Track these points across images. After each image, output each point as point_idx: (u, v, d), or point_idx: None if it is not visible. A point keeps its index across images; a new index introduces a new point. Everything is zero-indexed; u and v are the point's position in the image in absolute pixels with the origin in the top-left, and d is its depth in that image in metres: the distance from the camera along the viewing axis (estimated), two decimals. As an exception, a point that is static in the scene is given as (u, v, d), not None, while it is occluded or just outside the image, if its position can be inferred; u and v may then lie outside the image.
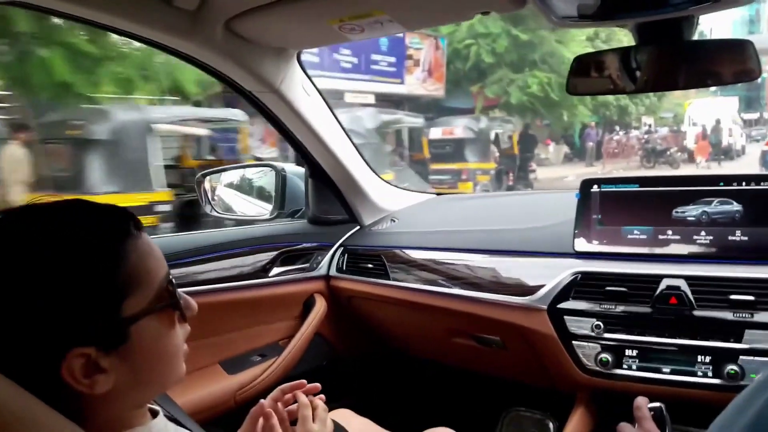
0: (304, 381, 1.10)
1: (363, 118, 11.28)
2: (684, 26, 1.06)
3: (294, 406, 1.08)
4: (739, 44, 1.05)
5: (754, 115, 32.09)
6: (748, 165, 20.34)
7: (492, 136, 14.35)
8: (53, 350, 0.66)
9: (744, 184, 1.35)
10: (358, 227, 2.06)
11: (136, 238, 0.74)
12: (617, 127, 24.67)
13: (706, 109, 19.94)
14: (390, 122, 12.78)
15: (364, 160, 1.98)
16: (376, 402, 1.93)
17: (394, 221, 2.04)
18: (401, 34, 13.75)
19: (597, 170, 19.65)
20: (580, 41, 17.56)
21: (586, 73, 1.19)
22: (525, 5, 1.09)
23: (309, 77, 1.68)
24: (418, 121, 13.61)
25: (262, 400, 1.07)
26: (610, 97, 18.84)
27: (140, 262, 0.73)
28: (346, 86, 14.53)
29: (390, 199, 2.12)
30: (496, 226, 1.81)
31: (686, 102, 26.13)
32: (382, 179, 2.11)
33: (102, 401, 0.70)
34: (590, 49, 1.33)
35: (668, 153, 20.57)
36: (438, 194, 2.32)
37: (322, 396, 1.09)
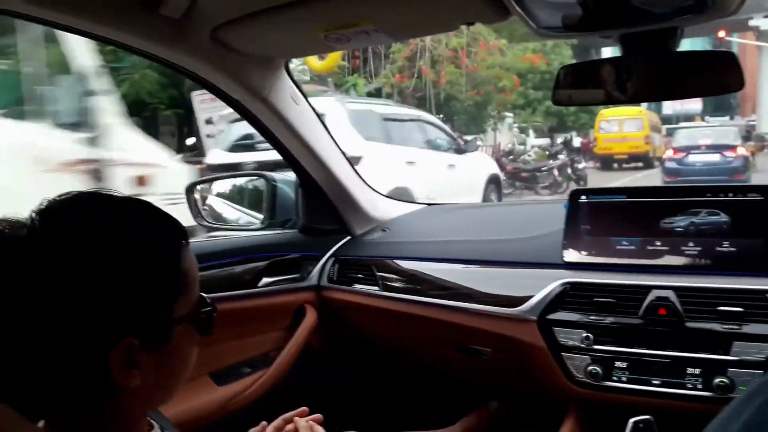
0: (306, 409, 1.12)
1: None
2: (668, 37, 1.06)
3: (290, 426, 1.08)
4: (724, 56, 1.05)
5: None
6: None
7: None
8: (111, 336, 0.68)
9: (731, 195, 1.34)
10: (349, 237, 2.05)
11: (187, 248, 0.78)
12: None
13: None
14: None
15: (355, 170, 1.98)
16: (367, 415, 1.92)
17: (385, 231, 2.03)
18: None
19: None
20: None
21: (572, 84, 1.19)
22: (509, 17, 1.09)
23: (298, 86, 1.68)
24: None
25: (264, 422, 1.07)
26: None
27: (190, 269, 0.77)
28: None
29: (381, 208, 2.11)
30: (486, 236, 1.80)
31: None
32: (374, 189, 2.10)
33: (125, 399, 0.72)
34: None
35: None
36: (429, 204, 2.31)
37: (320, 416, 1.11)
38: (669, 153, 14.92)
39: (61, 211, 0.70)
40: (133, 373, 0.70)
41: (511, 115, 26.43)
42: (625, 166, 19.78)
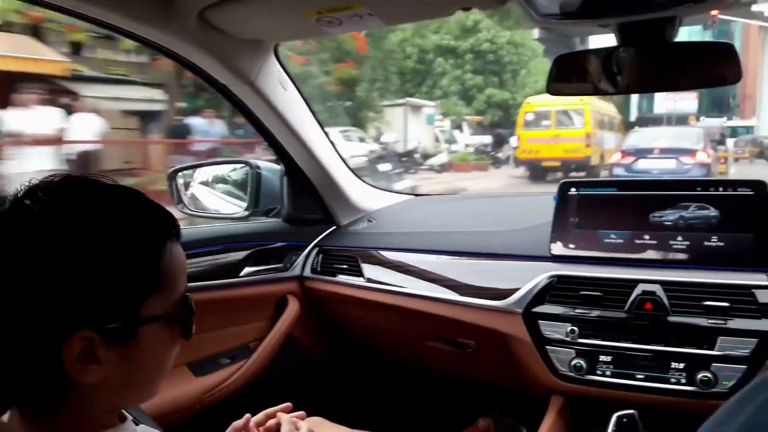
0: (290, 404, 1.11)
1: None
2: (666, 27, 1.05)
3: (273, 421, 1.06)
4: (722, 47, 1.04)
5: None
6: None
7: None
8: (66, 325, 0.65)
9: (721, 189, 1.35)
10: (334, 227, 2.03)
11: (175, 244, 0.75)
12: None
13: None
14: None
15: (342, 159, 1.95)
16: (349, 407, 1.90)
17: (371, 221, 2.00)
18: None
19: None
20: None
21: (567, 74, 1.18)
22: (507, 2, 1.07)
23: (287, 71, 1.65)
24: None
25: (248, 415, 1.05)
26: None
27: (172, 266, 0.73)
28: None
29: (368, 198, 2.09)
30: (473, 228, 1.79)
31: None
32: (360, 179, 2.08)
33: (84, 394, 0.69)
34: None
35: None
36: (416, 195, 2.30)
37: (303, 413, 1.10)
38: (616, 156, 12.88)
39: (44, 194, 0.68)
40: (91, 367, 0.66)
41: (431, 104, 21.96)
42: (571, 176, 13.69)
